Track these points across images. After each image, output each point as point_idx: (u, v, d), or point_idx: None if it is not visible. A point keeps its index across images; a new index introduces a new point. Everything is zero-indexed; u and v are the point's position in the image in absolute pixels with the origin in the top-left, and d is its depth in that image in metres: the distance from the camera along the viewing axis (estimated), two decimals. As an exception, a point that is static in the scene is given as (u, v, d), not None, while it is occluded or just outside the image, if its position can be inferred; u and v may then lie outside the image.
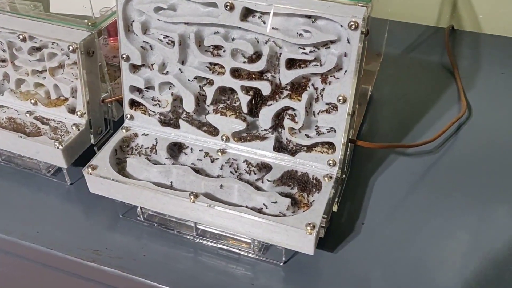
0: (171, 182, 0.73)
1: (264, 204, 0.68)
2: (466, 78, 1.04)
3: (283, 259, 0.70)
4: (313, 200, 0.70)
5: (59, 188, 0.82)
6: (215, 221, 0.68)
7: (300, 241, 0.64)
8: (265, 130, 0.74)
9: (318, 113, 0.70)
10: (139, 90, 0.79)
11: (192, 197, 0.67)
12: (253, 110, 0.73)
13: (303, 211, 0.67)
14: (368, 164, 0.85)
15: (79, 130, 0.79)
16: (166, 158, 0.76)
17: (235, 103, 0.74)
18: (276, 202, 0.68)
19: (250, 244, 0.72)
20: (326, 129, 0.71)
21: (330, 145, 0.72)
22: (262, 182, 0.72)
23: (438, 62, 1.11)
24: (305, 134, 0.72)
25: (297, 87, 0.70)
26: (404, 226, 0.75)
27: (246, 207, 0.69)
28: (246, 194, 0.70)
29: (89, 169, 0.72)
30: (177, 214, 0.70)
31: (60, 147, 0.76)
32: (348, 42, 0.64)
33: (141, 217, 0.76)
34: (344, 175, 0.75)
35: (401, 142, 0.87)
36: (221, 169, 0.74)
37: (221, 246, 0.73)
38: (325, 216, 0.65)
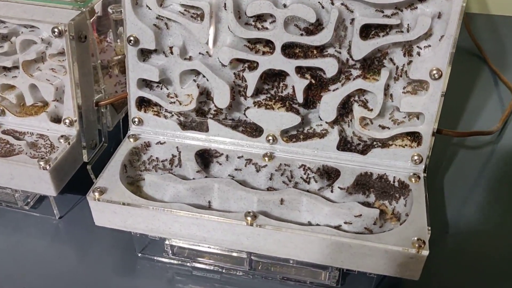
0: (209, 202, 0.55)
1: (344, 221, 0.51)
2: (495, 61, 0.93)
3: (372, 289, 0.53)
4: (398, 211, 0.54)
5: (44, 224, 0.61)
6: (281, 249, 0.50)
7: (404, 264, 0.48)
8: (325, 123, 0.57)
9: (395, 96, 0.55)
10: (149, 85, 0.60)
11: (249, 218, 0.49)
12: (308, 99, 0.57)
13: (400, 224, 0.51)
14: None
15: (69, 144, 0.59)
16: (197, 172, 0.57)
17: (282, 92, 0.57)
18: (360, 215, 0.52)
19: (322, 273, 0.54)
20: (404, 116, 0.56)
21: (413, 137, 0.56)
22: (332, 192, 0.55)
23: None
24: (379, 125, 0.56)
25: (370, 64, 0.54)
26: (494, 228, 0.61)
27: (317, 225, 0.52)
28: (317, 209, 0.53)
29: (96, 194, 0.52)
30: (227, 243, 0.51)
31: (47, 167, 0.55)
32: (446, -2, 0.49)
33: (169, 252, 0.56)
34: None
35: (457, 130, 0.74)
36: (270, 179, 0.57)
37: (281, 279, 0.55)
38: (429, 228, 0.49)
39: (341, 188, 0.54)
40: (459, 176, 0.67)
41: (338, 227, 0.52)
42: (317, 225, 0.52)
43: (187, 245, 0.55)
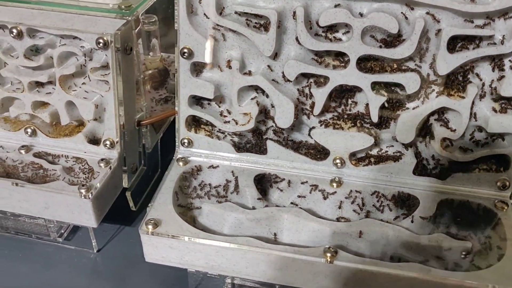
0: (275, 234, 0.49)
1: (437, 256, 0.46)
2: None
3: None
4: (487, 242, 0.48)
5: (80, 259, 0.54)
6: (365, 289, 0.44)
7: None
8: (398, 145, 0.52)
9: (480, 115, 0.49)
10: (200, 103, 0.54)
11: (328, 254, 0.43)
12: (382, 118, 0.51)
13: (498, 260, 0.45)
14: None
15: (110, 168, 0.52)
16: (258, 199, 0.51)
17: (350, 110, 0.52)
18: (450, 249, 0.46)
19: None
20: (485, 137, 0.51)
21: (497, 159, 0.51)
22: (412, 222, 0.49)
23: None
24: (460, 147, 0.51)
25: (454, 80, 0.48)
26: None
27: (399, 260, 0.47)
28: (401, 242, 0.47)
29: (149, 227, 0.46)
30: (301, 282, 0.45)
31: (89, 196, 0.48)
32: (549, 6, 0.44)
33: (229, 291, 0.50)
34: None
35: None
36: (339, 207, 0.51)
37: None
38: (531, 264, 0.44)
39: (423, 218, 0.49)
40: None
41: (425, 262, 0.46)
42: (399, 260, 0.47)
43: (251, 283, 0.49)
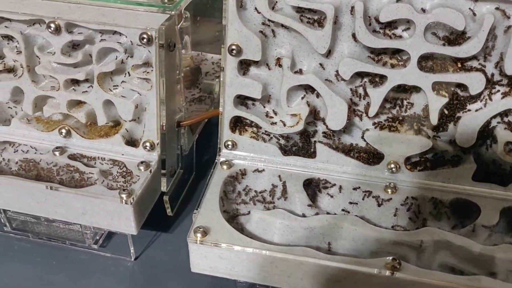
0: (329, 243, 0.46)
1: (503, 269, 0.43)
2: None
3: None
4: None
5: (117, 267, 0.51)
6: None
7: None
8: (455, 149, 0.49)
9: (545, 118, 0.47)
10: (244, 103, 0.51)
11: (391, 266, 0.40)
12: (440, 121, 0.48)
13: None
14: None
15: (150, 172, 0.50)
16: (308, 206, 0.48)
17: (406, 111, 0.49)
18: (523, 261, 0.43)
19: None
20: (549, 142, 0.48)
21: None
22: (473, 231, 0.46)
23: None
24: (524, 151, 0.48)
25: (519, 80, 0.46)
26: None
27: (461, 273, 0.44)
28: (464, 253, 0.44)
29: (198, 235, 0.43)
30: (360, 297, 0.42)
31: (131, 201, 0.46)
32: None
33: (279, 304, 0.47)
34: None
35: None
36: (394, 215, 0.48)
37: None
38: None
39: (485, 227, 0.46)
40: None
41: (492, 275, 0.43)
42: (462, 272, 0.44)
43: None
